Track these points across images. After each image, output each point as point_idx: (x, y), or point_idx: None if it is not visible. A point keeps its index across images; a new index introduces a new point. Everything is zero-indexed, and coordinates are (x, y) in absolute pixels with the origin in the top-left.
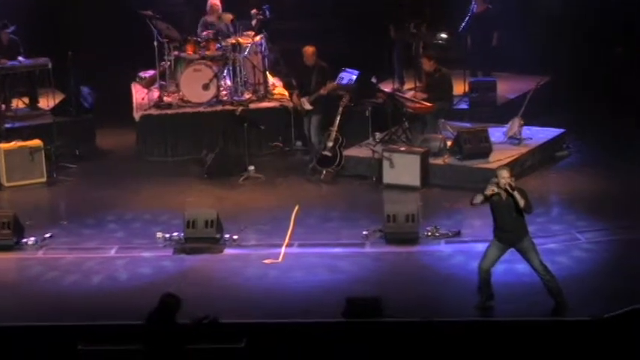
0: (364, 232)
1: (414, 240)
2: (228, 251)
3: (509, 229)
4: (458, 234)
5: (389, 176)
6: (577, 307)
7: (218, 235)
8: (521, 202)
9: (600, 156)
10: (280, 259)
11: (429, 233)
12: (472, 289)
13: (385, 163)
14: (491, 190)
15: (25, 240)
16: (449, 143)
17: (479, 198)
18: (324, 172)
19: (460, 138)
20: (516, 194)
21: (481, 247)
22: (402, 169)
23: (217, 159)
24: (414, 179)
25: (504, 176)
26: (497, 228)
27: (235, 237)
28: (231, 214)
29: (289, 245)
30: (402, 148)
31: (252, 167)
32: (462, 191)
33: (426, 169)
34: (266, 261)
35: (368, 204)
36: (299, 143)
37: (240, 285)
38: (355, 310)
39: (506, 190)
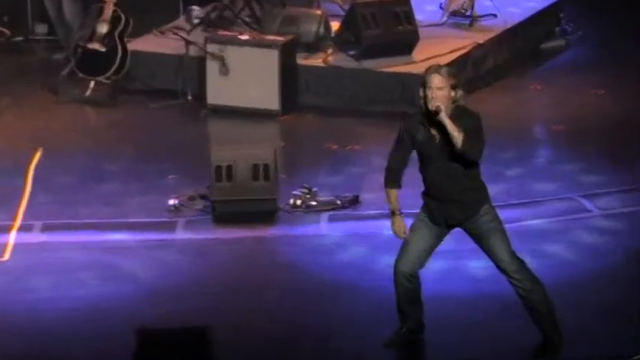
0: (172, 202)
1: (270, 215)
2: None
3: (451, 194)
4: (354, 202)
5: (219, 92)
6: (583, 340)
7: None
8: (457, 137)
9: (622, 48)
10: (6, 256)
11: (299, 201)
12: (383, 309)
13: (211, 67)
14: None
15: None
16: (335, 26)
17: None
18: (92, 82)
19: (356, 15)
20: (446, 120)
21: None
22: (246, 77)
23: None
24: (269, 97)
25: (435, 86)
26: (426, 193)
27: None
28: None
29: (24, 228)
30: (244, 37)
31: None
32: (359, 118)
33: (290, 78)
34: None
35: (178, 146)
36: (42, 28)
37: None
38: (155, 351)
39: (436, 114)
